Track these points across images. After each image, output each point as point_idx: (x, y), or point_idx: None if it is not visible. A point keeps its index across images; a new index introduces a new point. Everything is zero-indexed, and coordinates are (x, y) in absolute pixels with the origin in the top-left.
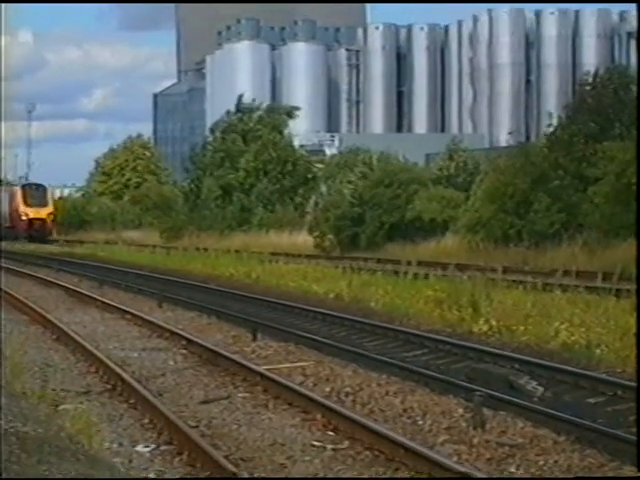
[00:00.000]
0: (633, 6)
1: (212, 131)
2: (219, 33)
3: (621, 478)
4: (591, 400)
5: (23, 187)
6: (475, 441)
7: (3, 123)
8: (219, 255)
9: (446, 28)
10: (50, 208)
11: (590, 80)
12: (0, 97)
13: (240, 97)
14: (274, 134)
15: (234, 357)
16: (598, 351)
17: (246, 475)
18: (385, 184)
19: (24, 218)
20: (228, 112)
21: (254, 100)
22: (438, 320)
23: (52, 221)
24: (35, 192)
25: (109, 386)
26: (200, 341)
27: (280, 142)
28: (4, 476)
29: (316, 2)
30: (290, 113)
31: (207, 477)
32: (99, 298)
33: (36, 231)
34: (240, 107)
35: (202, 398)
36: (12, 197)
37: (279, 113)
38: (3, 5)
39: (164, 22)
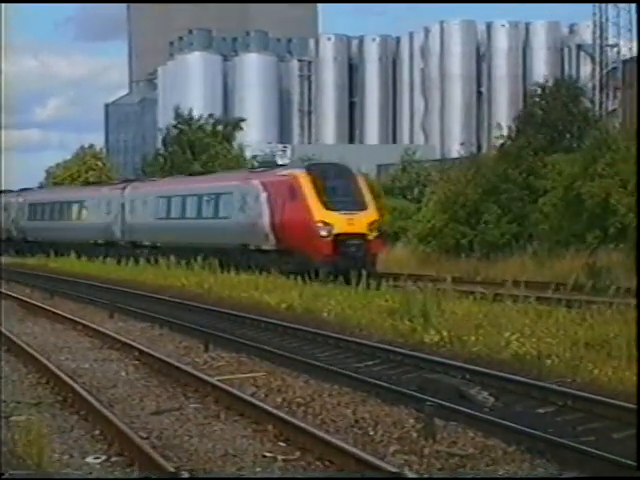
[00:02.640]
0: (583, 17)
1: (164, 142)
2: (171, 44)
3: (621, 478)
4: (541, 410)
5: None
6: (426, 451)
7: None
8: (170, 266)
9: (398, 39)
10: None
11: (539, 92)
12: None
13: (177, 109)
14: (224, 145)
15: (186, 368)
16: (549, 361)
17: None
18: None
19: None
20: (178, 124)
21: (203, 116)
22: (390, 330)
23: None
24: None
25: (60, 397)
26: (152, 352)
27: (230, 153)
28: (5, 476)
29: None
30: (236, 125)
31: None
32: (50, 309)
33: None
34: (179, 119)
35: (154, 409)
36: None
37: (226, 125)
38: None
39: (121, 32)
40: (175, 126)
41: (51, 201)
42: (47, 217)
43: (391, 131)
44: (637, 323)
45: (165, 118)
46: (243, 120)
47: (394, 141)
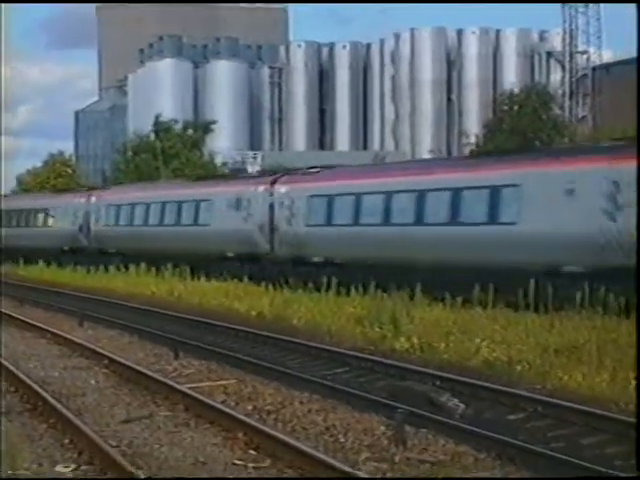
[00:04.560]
0: (553, 24)
1: (122, 151)
2: (141, 51)
3: (621, 478)
4: (512, 417)
5: None
6: (397, 459)
7: None
8: (140, 273)
9: (368, 46)
10: None
11: (508, 99)
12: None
13: (157, 117)
14: (194, 152)
15: (156, 376)
16: (519, 367)
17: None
18: None
19: None
20: (156, 131)
21: (173, 120)
22: (360, 337)
23: None
24: None
25: (29, 406)
26: (121, 360)
27: (199, 160)
28: (4, 476)
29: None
30: (207, 128)
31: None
32: (19, 317)
33: None
34: (158, 126)
35: (123, 417)
36: None
37: (196, 129)
38: None
39: (93, 39)
40: (155, 133)
41: (17, 208)
42: (14, 224)
43: (362, 137)
44: (637, 325)
45: (135, 125)
46: (214, 123)
47: (365, 147)
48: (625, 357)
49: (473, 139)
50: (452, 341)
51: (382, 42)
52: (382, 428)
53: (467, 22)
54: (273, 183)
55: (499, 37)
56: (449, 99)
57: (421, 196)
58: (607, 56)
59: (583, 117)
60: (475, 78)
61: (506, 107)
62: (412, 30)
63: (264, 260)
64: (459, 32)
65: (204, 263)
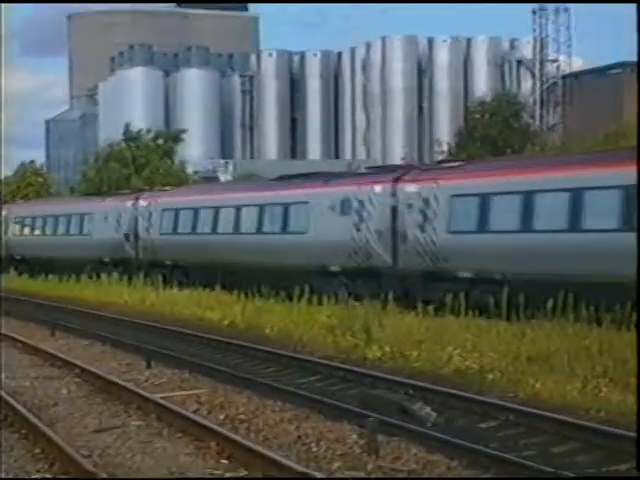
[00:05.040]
0: (524, 33)
1: (94, 160)
2: (112, 59)
3: (621, 478)
4: (484, 425)
5: None
6: (369, 467)
7: None
8: (112, 282)
9: (339, 54)
10: None
11: (479, 108)
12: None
13: (127, 125)
14: (164, 160)
15: (128, 385)
16: (490, 376)
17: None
18: None
19: None
20: (126, 139)
21: (144, 130)
22: (332, 346)
23: None
24: None
25: (0, 416)
26: (93, 369)
27: (170, 168)
28: (4, 476)
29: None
30: (177, 138)
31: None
32: None
33: None
34: (127, 135)
35: (95, 427)
36: None
37: (166, 140)
38: None
39: (63, 48)
40: (125, 141)
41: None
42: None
43: (333, 146)
44: (637, 327)
45: (106, 133)
46: (184, 132)
47: (336, 156)
48: (596, 365)
49: (445, 147)
50: (424, 349)
51: (353, 50)
52: (354, 437)
53: (438, 31)
54: (396, 181)
55: (470, 45)
56: (420, 107)
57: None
58: (577, 64)
59: (554, 125)
60: (446, 86)
61: (477, 115)
62: (383, 38)
63: (385, 275)
64: (430, 40)
65: (296, 278)
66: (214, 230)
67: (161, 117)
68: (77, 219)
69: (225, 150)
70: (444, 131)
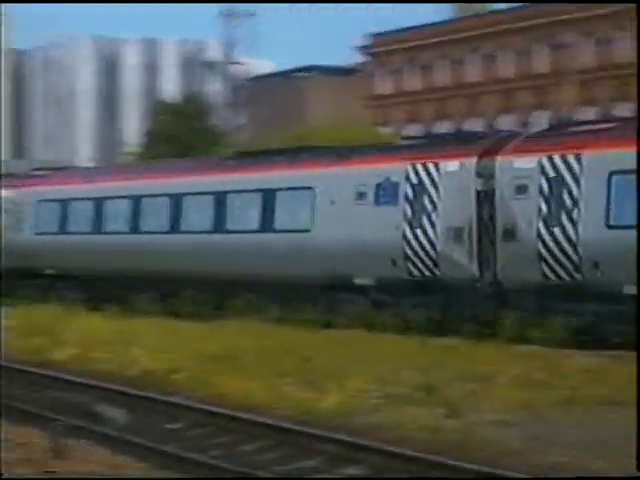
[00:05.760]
0: (212, 35)
1: None
2: None
3: (621, 478)
4: (171, 425)
5: None
6: (56, 472)
7: None
8: None
9: (24, 53)
10: None
11: (164, 108)
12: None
13: None
14: None
15: None
16: (178, 376)
17: None
18: None
19: None
20: None
21: None
22: (19, 349)
23: None
24: None
25: None
26: None
27: None
28: (4, 476)
29: None
30: None
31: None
32: None
33: None
34: None
35: None
36: None
37: None
38: None
39: None
40: None
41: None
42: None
43: (22, 146)
44: (637, 331)
45: None
46: None
47: (21, 156)
48: (281, 363)
49: (134, 148)
50: (112, 351)
51: (39, 49)
52: (41, 441)
53: (127, 31)
54: (489, 153)
55: (159, 47)
56: (109, 107)
57: None
58: (268, 67)
59: (241, 126)
60: (136, 87)
61: (163, 116)
62: (71, 37)
63: (463, 291)
64: (119, 41)
65: (309, 295)
66: (133, 229)
67: None
68: (285, 198)
69: None
70: (134, 131)
